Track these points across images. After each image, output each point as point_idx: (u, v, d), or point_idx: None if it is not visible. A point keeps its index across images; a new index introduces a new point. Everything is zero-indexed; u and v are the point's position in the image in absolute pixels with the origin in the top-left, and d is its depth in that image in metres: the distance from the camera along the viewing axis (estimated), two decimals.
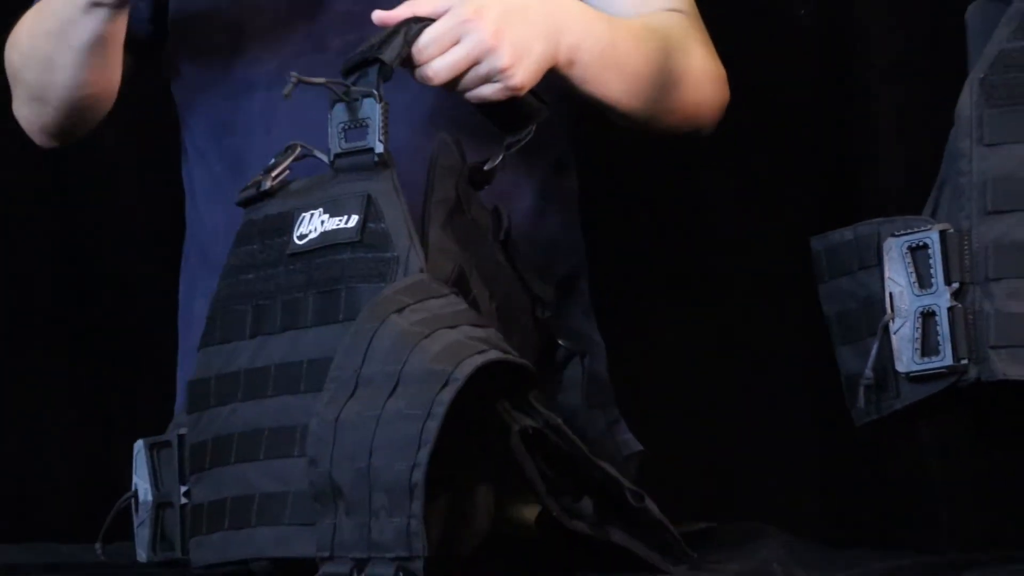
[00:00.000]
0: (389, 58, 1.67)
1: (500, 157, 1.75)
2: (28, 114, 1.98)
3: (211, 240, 1.93)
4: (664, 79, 1.88)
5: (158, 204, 2.30)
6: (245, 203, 1.75)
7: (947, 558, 1.85)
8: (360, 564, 1.47)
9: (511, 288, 1.79)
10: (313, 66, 1.80)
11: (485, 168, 1.75)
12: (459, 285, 1.67)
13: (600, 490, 1.65)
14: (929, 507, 2.30)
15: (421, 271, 1.63)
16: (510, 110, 1.76)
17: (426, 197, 1.69)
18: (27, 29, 1.95)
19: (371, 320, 1.56)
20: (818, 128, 2.36)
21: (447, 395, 1.46)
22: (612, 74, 1.83)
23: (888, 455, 2.29)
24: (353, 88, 1.66)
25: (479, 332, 1.57)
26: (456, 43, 1.70)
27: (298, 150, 1.72)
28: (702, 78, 1.93)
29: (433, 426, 1.45)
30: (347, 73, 1.68)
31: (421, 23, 1.71)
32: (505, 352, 1.55)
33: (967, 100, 1.59)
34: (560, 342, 1.84)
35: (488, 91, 1.73)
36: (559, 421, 1.61)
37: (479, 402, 1.54)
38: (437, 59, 1.70)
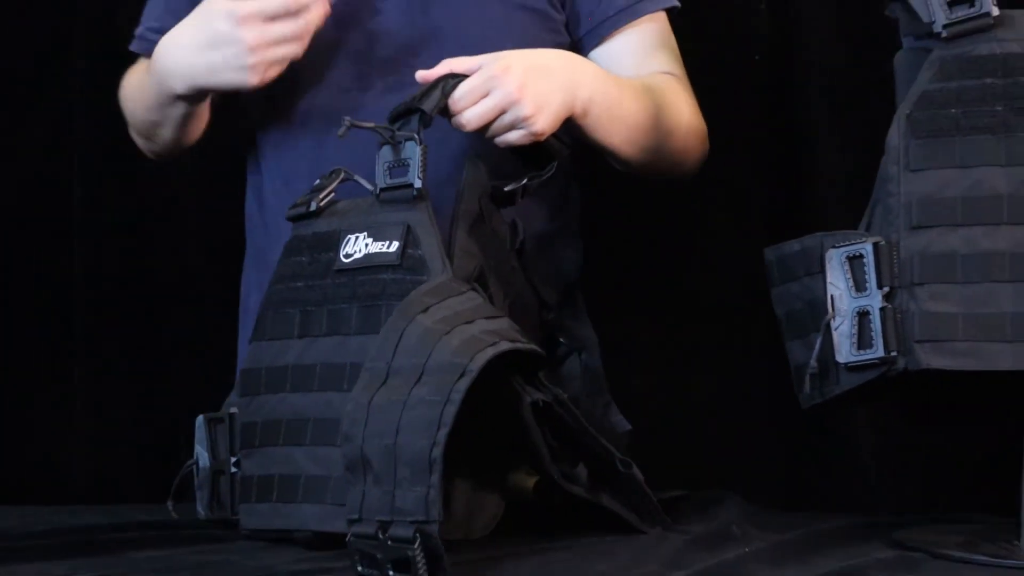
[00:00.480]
0: (428, 108, 1.71)
1: (523, 182, 1.78)
2: (140, 143, 2.07)
3: (269, 244, 1.96)
4: (658, 132, 1.92)
5: (220, 210, 2.30)
6: (294, 219, 1.79)
7: (879, 518, 1.90)
8: (384, 526, 1.49)
9: (522, 291, 1.82)
10: (358, 101, 1.91)
11: (505, 190, 1.78)
12: (479, 282, 1.69)
13: (594, 459, 1.70)
14: (865, 476, 2.32)
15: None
16: (535, 151, 1.81)
17: (455, 206, 1.73)
18: (133, 91, 2.02)
19: (401, 319, 1.59)
20: (768, 158, 2.38)
21: (463, 384, 1.50)
22: (617, 125, 1.87)
23: (830, 433, 2.31)
24: (398, 132, 1.70)
25: (493, 324, 1.60)
26: (486, 95, 1.75)
27: (342, 175, 1.76)
28: (688, 133, 1.98)
29: (451, 410, 1.48)
30: (393, 120, 1.72)
31: (457, 78, 1.75)
32: (514, 341, 1.58)
33: (895, 133, 1.65)
34: (561, 340, 1.88)
35: (514, 137, 1.77)
36: (565, 397, 1.65)
37: (495, 384, 1.57)
38: (469, 109, 1.75)
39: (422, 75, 1.77)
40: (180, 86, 1.87)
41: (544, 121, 1.77)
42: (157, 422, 2.45)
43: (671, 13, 2.06)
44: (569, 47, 1.99)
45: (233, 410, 1.79)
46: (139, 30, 2.08)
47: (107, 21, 2.44)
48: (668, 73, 2.01)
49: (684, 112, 1.97)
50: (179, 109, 1.93)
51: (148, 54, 2.00)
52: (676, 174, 2.01)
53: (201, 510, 1.79)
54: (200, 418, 1.80)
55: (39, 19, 2.51)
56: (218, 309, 2.16)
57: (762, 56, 2.36)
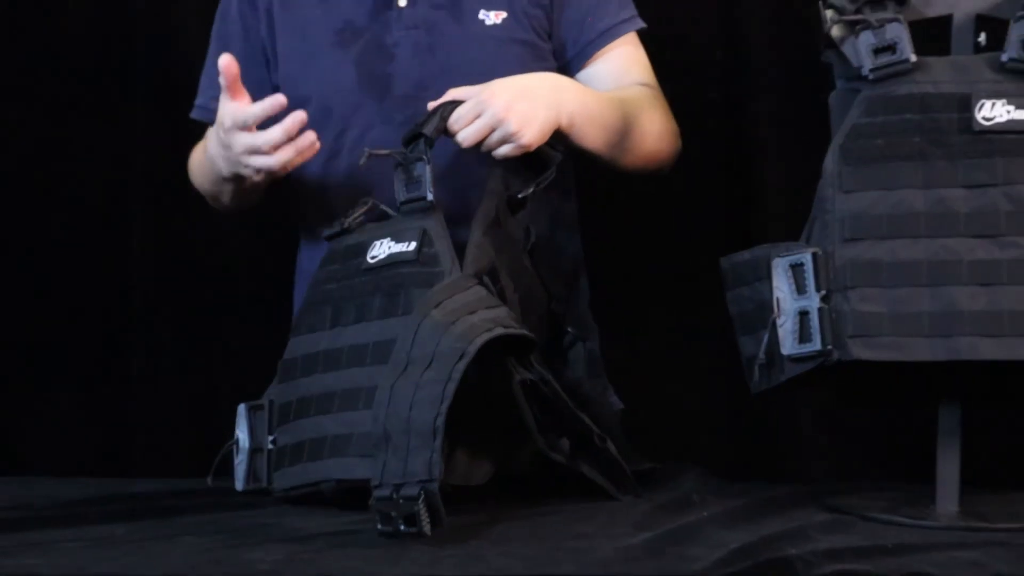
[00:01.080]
0: (429, 131, 1.79)
1: (531, 190, 1.83)
2: (208, 201, 2.08)
3: (311, 266, 1.94)
4: (633, 135, 1.97)
5: (264, 233, 2.34)
6: (330, 237, 1.85)
7: (817, 487, 1.92)
8: (397, 487, 1.55)
9: (532, 285, 1.86)
10: (383, 134, 1.95)
11: (520, 196, 1.83)
12: (491, 276, 1.73)
13: (575, 434, 1.76)
14: (805, 450, 2.35)
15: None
16: (535, 160, 1.86)
17: (477, 210, 1.79)
18: (196, 163, 2.06)
19: (418, 316, 1.65)
20: (724, 181, 2.40)
21: (462, 364, 1.57)
22: (599, 132, 1.92)
23: (776, 414, 2.33)
24: (409, 155, 1.78)
25: (491, 313, 1.66)
26: (478, 117, 1.80)
27: (370, 203, 1.83)
28: (660, 133, 2.02)
29: (452, 387, 1.56)
30: (405, 143, 1.80)
31: (454, 104, 1.82)
32: (508, 327, 1.64)
33: (831, 160, 1.69)
34: (568, 329, 1.91)
35: (505, 150, 1.82)
36: (550, 377, 1.71)
37: (493, 363, 1.63)
38: (464, 130, 1.81)
39: (431, 106, 1.84)
40: (224, 170, 1.89)
41: (530, 135, 1.82)
42: (202, 408, 2.45)
43: (641, 33, 2.09)
44: (558, 71, 2.02)
45: (271, 399, 1.83)
46: (197, 100, 2.11)
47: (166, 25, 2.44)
48: (643, 84, 2.05)
49: (656, 117, 2.01)
50: (230, 186, 1.95)
51: (205, 121, 2.04)
52: (652, 169, 2.04)
53: (239, 484, 1.83)
54: (241, 406, 1.84)
55: (102, 25, 2.48)
56: (259, 316, 2.19)
57: (719, 96, 2.38)
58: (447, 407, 1.56)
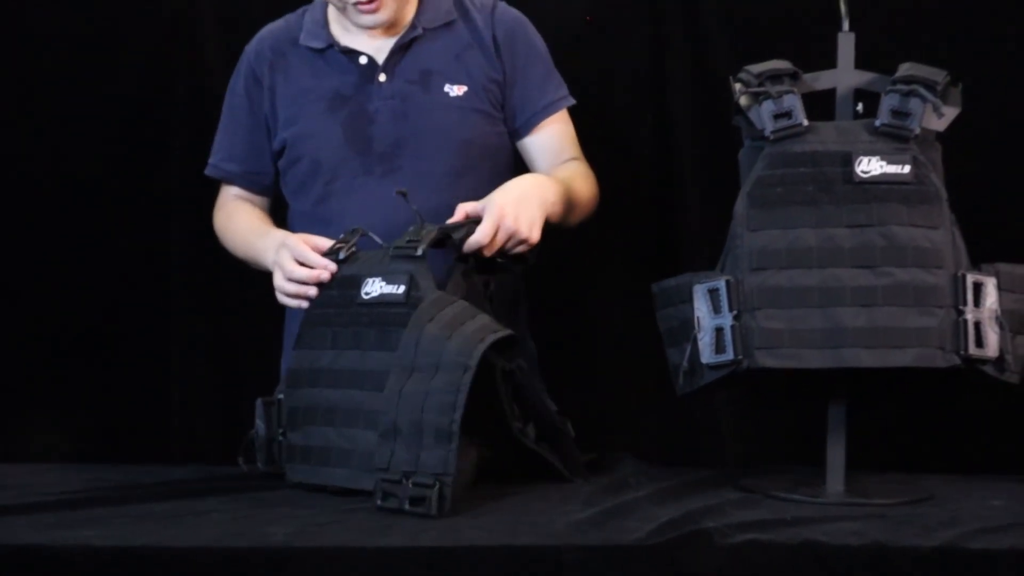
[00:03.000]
0: (457, 237, 1.79)
1: (492, 287, 1.84)
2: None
3: None
4: (576, 206, 2.00)
5: None
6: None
7: (731, 471, 1.95)
8: (408, 475, 1.57)
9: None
10: (365, 184, 1.97)
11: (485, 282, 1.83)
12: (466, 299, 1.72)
13: (540, 419, 1.75)
14: (721, 442, 2.35)
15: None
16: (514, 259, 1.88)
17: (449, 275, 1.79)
18: (227, 232, 2.07)
19: (416, 329, 1.65)
20: (655, 221, 2.39)
21: (468, 378, 1.59)
22: (560, 210, 1.94)
23: (698, 412, 2.32)
24: (424, 241, 1.76)
25: (477, 323, 1.66)
26: (496, 231, 1.81)
27: (360, 233, 1.82)
28: (590, 199, 2.06)
29: (462, 397, 1.57)
30: (436, 239, 1.77)
31: (475, 222, 1.81)
32: (495, 331, 1.64)
33: (740, 204, 1.71)
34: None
35: (520, 249, 1.85)
36: (525, 366, 1.71)
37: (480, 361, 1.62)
38: (487, 248, 1.81)
39: (458, 218, 1.83)
40: (266, 261, 1.93)
41: (535, 233, 1.86)
42: (229, 405, 2.41)
43: (588, 100, 2.13)
44: (506, 135, 2.06)
45: (280, 396, 1.82)
46: (211, 159, 2.11)
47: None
48: (574, 159, 2.08)
49: (587, 186, 2.06)
50: (261, 265, 1.98)
51: (219, 178, 2.08)
52: (582, 222, 2.06)
53: (260, 465, 1.83)
54: (259, 400, 1.84)
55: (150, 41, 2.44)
56: (270, 329, 2.14)
57: (650, 152, 2.39)
58: (460, 415, 1.57)
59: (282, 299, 1.88)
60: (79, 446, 2.36)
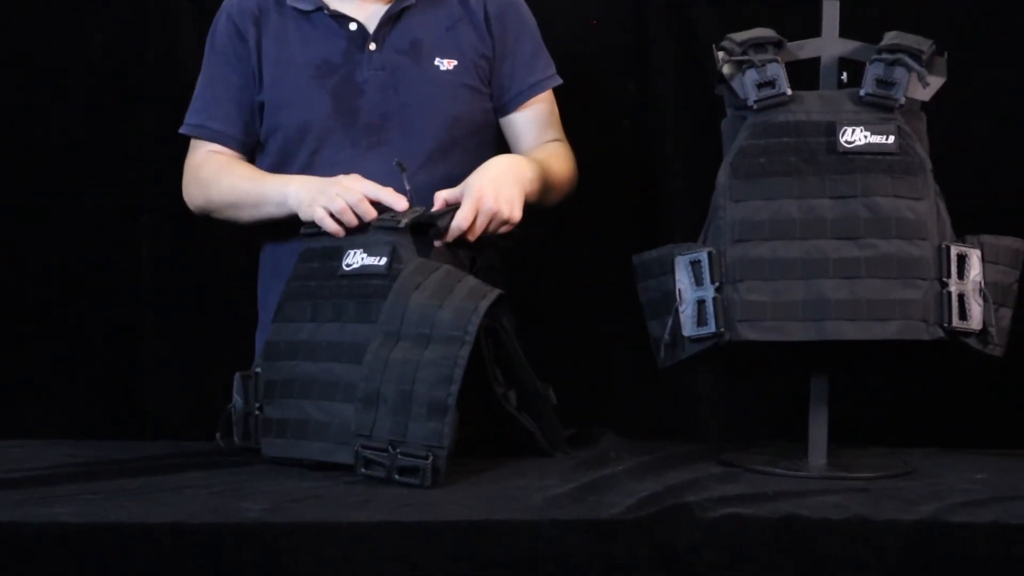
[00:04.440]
0: (443, 225, 1.78)
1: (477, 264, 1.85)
2: (196, 209, 2.04)
3: (282, 256, 1.96)
4: (554, 187, 2.00)
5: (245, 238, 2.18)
6: (307, 234, 1.83)
7: (711, 445, 1.95)
8: (395, 444, 1.56)
9: None
10: (351, 156, 1.96)
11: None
12: None
13: (521, 385, 1.74)
14: (702, 415, 2.37)
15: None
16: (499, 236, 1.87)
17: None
18: (228, 183, 1.98)
19: (402, 297, 1.64)
20: (636, 191, 2.39)
21: (464, 351, 1.58)
22: (538, 190, 1.94)
23: (679, 385, 2.34)
24: (409, 214, 1.76)
25: (466, 286, 1.65)
26: (476, 214, 1.81)
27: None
28: (568, 180, 2.06)
29: (459, 372, 1.57)
30: (417, 223, 1.76)
31: (456, 208, 1.81)
32: (485, 295, 1.64)
33: (723, 175, 1.71)
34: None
35: (504, 230, 1.85)
36: (508, 327, 1.70)
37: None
38: (470, 232, 1.81)
39: (437, 206, 1.83)
40: (307, 199, 1.85)
41: (517, 212, 1.86)
42: (202, 381, 2.40)
43: (573, 74, 2.12)
44: (492, 111, 2.05)
45: (258, 369, 1.81)
46: (188, 118, 2.05)
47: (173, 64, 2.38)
48: (555, 140, 2.08)
49: (564, 168, 2.05)
50: (275, 212, 1.92)
51: (199, 137, 2.02)
52: (562, 201, 2.06)
53: (237, 440, 1.82)
54: (237, 375, 1.83)
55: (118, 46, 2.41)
56: (245, 302, 2.14)
57: (632, 123, 2.38)
58: (456, 388, 1.57)
59: (326, 223, 1.80)
60: (49, 423, 2.34)
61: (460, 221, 1.80)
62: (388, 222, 1.76)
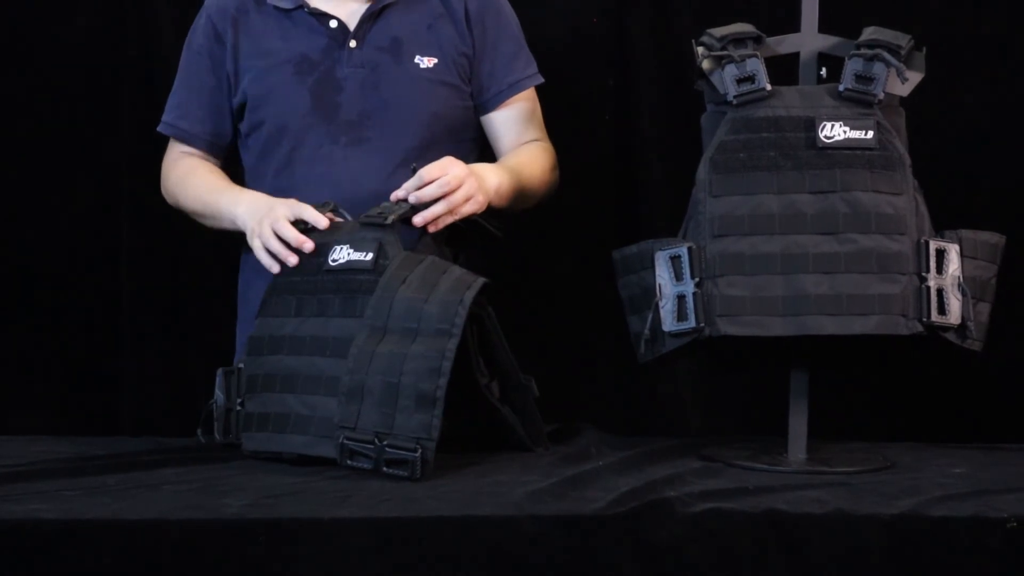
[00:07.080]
0: (413, 200, 1.79)
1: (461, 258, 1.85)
2: (178, 208, 2.05)
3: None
4: (529, 191, 2.00)
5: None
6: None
7: (692, 440, 1.95)
8: (380, 436, 1.57)
9: None
10: (330, 152, 1.96)
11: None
12: None
13: (504, 375, 1.74)
14: (682, 410, 2.35)
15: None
16: (483, 233, 1.87)
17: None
18: (189, 194, 2.01)
19: (388, 291, 1.65)
20: (615, 186, 2.38)
21: (452, 344, 1.59)
22: (507, 194, 1.94)
23: (659, 380, 2.34)
24: (397, 207, 1.78)
25: (451, 277, 1.66)
26: (443, 175, 1.82)
27: (332, 205, 1.82)
28: (546, 182, 2.05)
29: (448, 365, 1.58)
30: (401, 213, 1.78)
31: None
32: (470, 285, 1.64)
33: (703, 170, 1.71)
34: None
35: (468, 208, 1.83)
36: (492, 314, 1.71)
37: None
38: (447, 194, 1.81)
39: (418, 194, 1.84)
40: (249, 220, 1.87)
41: (483, 197, 1.85)
42: (180, 377, 2.39)
43: (553, 68, 2.12)
44: (472, 109, 2.05)
45: (240, 365, 1.80)
46: (165, 117, 2.06)
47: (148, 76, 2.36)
48: (535, 140, 2.07)
49: (543, 170, 2.04)
50: (227, 225, 1.95)
51: (176, 137, 2.04)
52: (540, 204, 2.07)
53: (218, 436, 1.82)
54: (220, 370, 1.82)
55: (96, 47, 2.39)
56: (224, 298, 2.14)
57: (612, 118, 2.38)
58: (445, 381, 1.57)
59: (260, 256, 1.83)
60: (27, 419, 2.33)
61: (435, 188, 1.79)
62: (375, 218, 1.76)
